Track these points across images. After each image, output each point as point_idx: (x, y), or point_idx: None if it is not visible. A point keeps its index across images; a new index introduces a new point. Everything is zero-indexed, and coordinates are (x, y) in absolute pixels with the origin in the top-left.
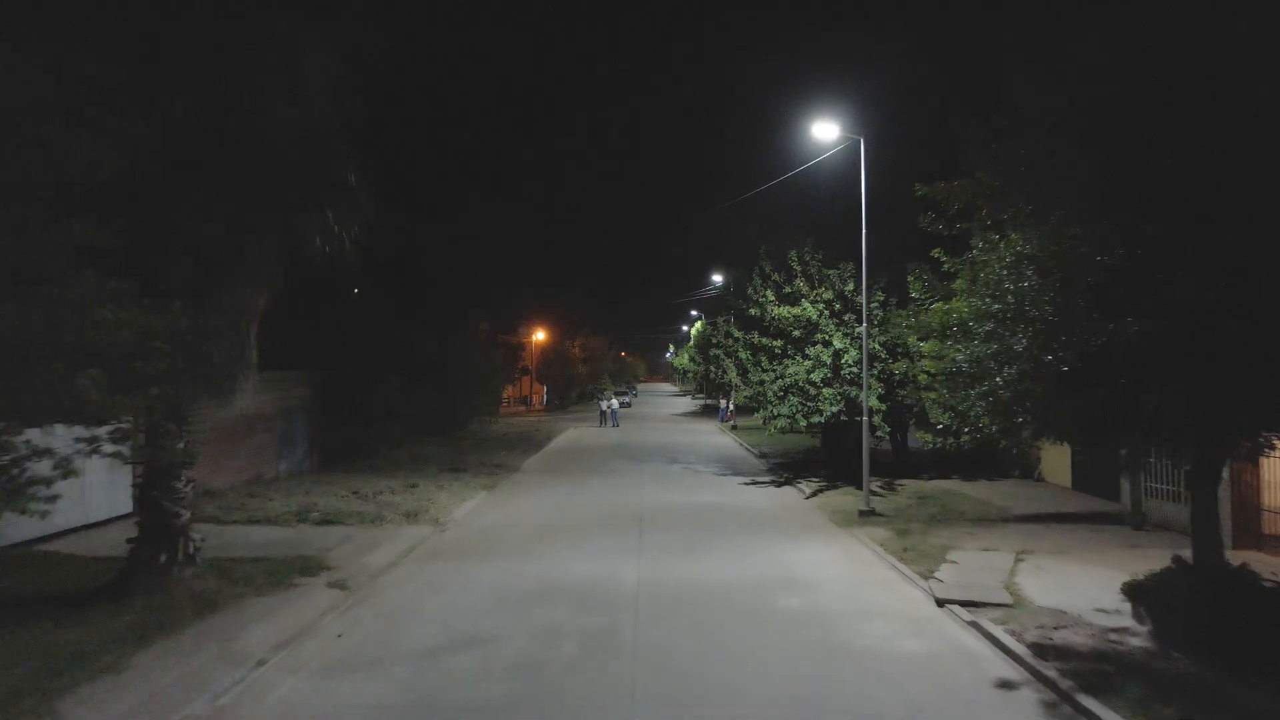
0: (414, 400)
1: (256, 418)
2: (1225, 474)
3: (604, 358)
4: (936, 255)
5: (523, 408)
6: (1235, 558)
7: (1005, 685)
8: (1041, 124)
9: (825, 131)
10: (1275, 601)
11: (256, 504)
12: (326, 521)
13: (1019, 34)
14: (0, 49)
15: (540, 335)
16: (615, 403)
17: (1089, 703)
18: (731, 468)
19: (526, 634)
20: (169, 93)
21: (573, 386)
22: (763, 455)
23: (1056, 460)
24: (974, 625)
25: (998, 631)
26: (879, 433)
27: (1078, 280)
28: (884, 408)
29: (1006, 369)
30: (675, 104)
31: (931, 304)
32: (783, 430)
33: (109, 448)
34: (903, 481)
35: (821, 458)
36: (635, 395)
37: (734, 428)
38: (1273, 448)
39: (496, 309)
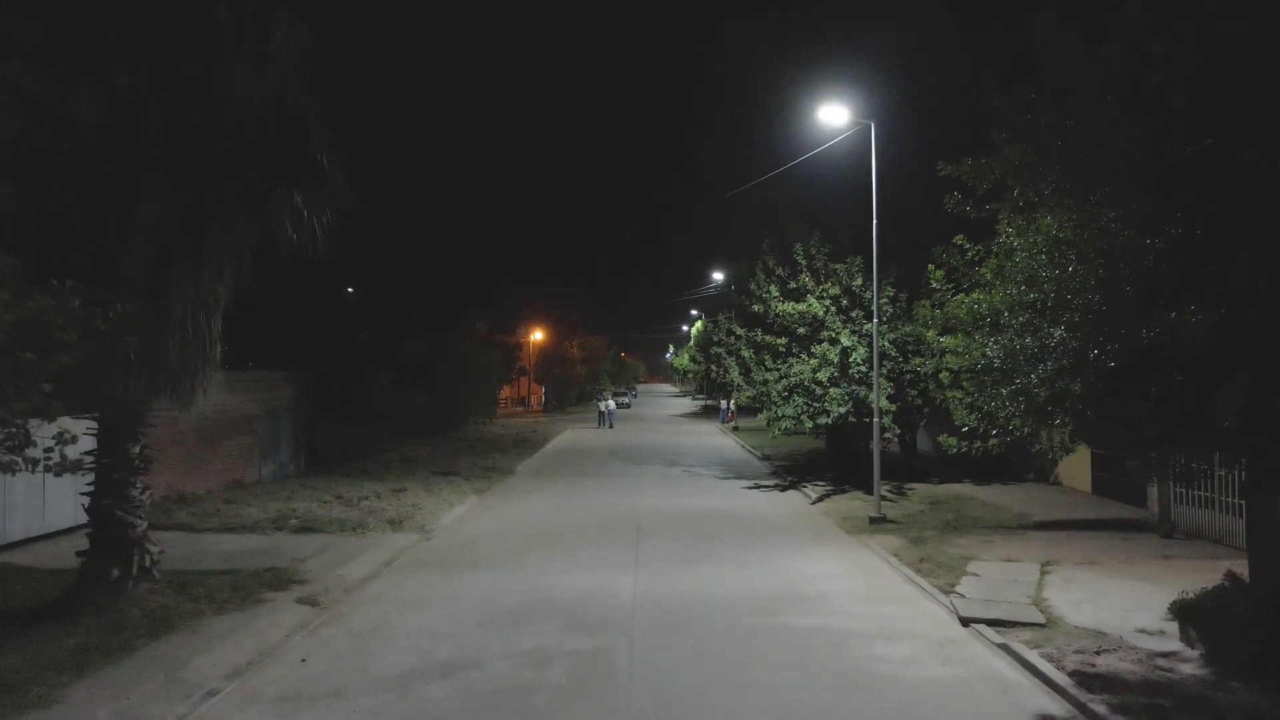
0: (407, 401)
1: (237, 418)
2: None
3: (603, 358)
4: (959, 242)
5: (520, 409)
6: None
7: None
8: (1081, 90)
9: (834, 116)
10: None
11: (233, 510)
12: (305, 529)
13: None
14: None
15: (538, 335)
16: (612, 403)
17: None
18: (733, 471)
19: (512, 657)
20: (110, 58)
21: (571, 387)
22: (766, 458)
23: (1074, 463)
24: (1005, 648)
25: (1033, 657)
26: (888, 434)
27: (1124, 266)
28: (894, 408)
29: (1043, 365)
30: (674, 93)
31: (954, 295)
32: (787, 432)
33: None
34: (912, 485)
35: (827, 460)
36: (635, 396)
37: (735, 429)
38: None
39: (494, 309)
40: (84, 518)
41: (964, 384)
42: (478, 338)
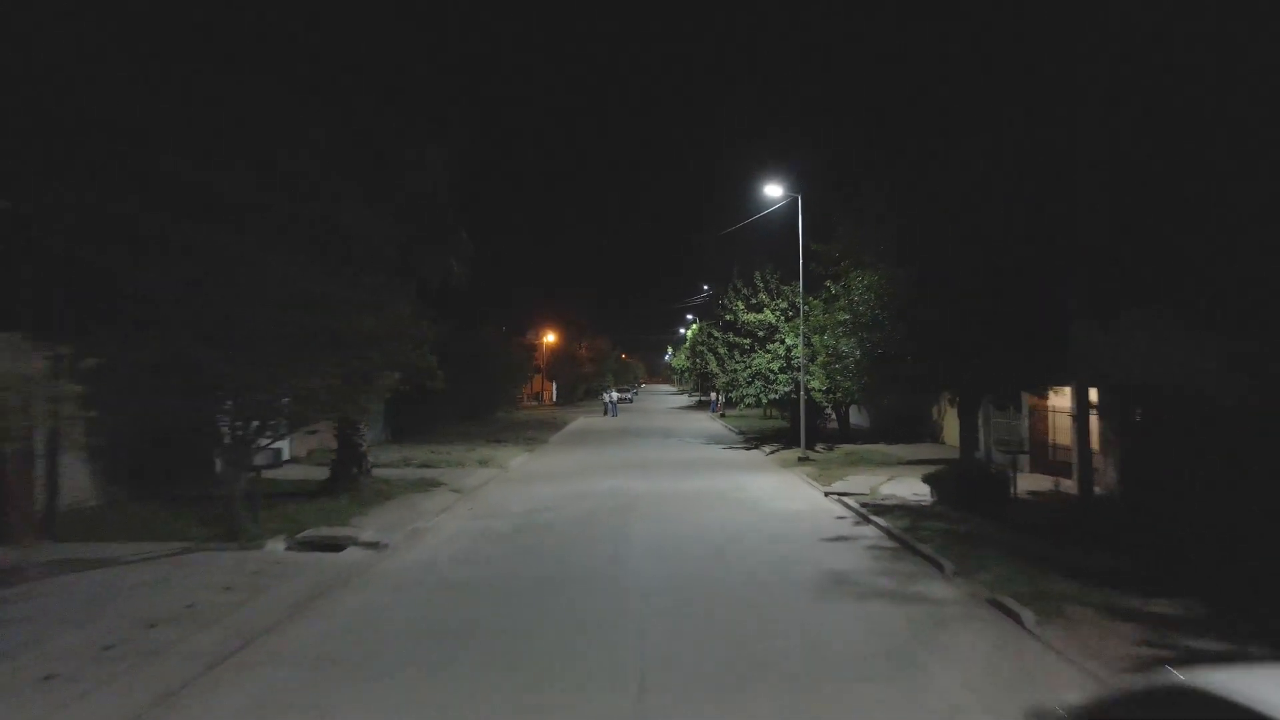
0: (461, 390)
1: None
2: (1027, 422)
3: (608, 358)
4: (828, 285)
5: (535, 403)
6: (1031, 479)
7: (840, 518)
8: (875, 209)
9: (774, 190)
10: (993, 479)
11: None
12: (424, 466)
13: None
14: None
15: (551, 338)
16: (615, 395)
17: (875, 518)
18: (714, 440)
19: (578, 508)
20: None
21: (580, 384)
22: (741, 433)
23: (952, 428)
24: (840, 501)
25: (849, 501)
26: (828, 410)
27: (893, 300)
28: (824, 388)
29: (858, 353)
30: (677, 147)
31: (824, 314)
32: (762, 413)
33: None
34: (841, 445)
35: (787, 434)
36: (637, 393)
37: (723, 416)
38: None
39: (513, 311)
40: (284, 460)
41: (818, 363)
42: (499, 338)
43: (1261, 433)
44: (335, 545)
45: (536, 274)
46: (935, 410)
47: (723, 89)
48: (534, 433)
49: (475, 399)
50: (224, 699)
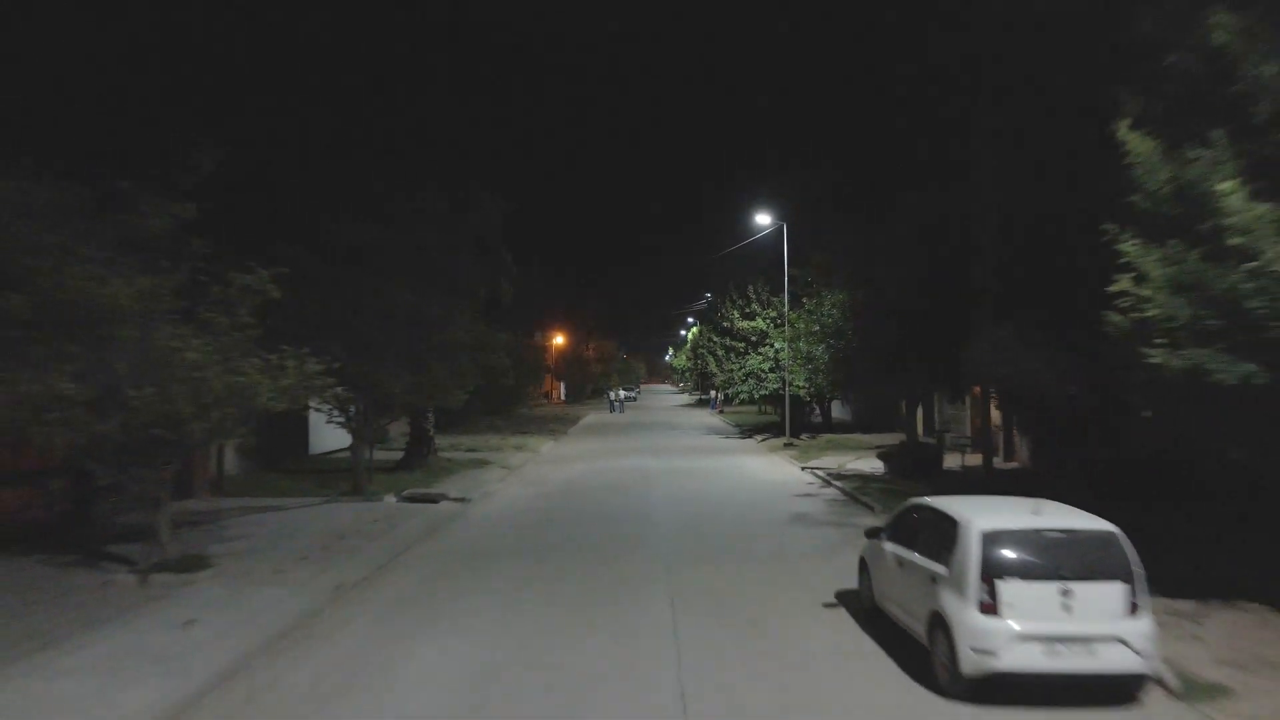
0: (482, 387)
1: None
2: (969, 411)
3: (614, 358)
4: (803, 301)
5: (545, 400)
6: (972, 457)
7: (810, 483)
8: (840, 245)
9: (763, 218)
10: (930, 454)
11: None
12: (471, 450)
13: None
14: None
15: (559, 339)
16: (621, 394)
17: (836, 483)
18: (714, 432)
19: (607, 478)
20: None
21: (587, 384)
22: (737, 426)
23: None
24: (811, 472)
25: (819, 472)
26: (813, 405)
27: (857, 315)
28: (805, 385)
29: (826, 356)
30: (680, 158)
31: (802, 323)
32: (757, 409)
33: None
34: (823, 435)
35: (777, 426)
36: (639, 392)
37: (722, 413)
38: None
39: (525, 314)
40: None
41: (798, 364)
42: (510, 339)
43: (1082, 421)
44: (432, 500)
45: (544, 276)
46: (905, 405)
47: (725, 118)
48: (554, 426)
49: (496, 396)
50: (411, 570)
